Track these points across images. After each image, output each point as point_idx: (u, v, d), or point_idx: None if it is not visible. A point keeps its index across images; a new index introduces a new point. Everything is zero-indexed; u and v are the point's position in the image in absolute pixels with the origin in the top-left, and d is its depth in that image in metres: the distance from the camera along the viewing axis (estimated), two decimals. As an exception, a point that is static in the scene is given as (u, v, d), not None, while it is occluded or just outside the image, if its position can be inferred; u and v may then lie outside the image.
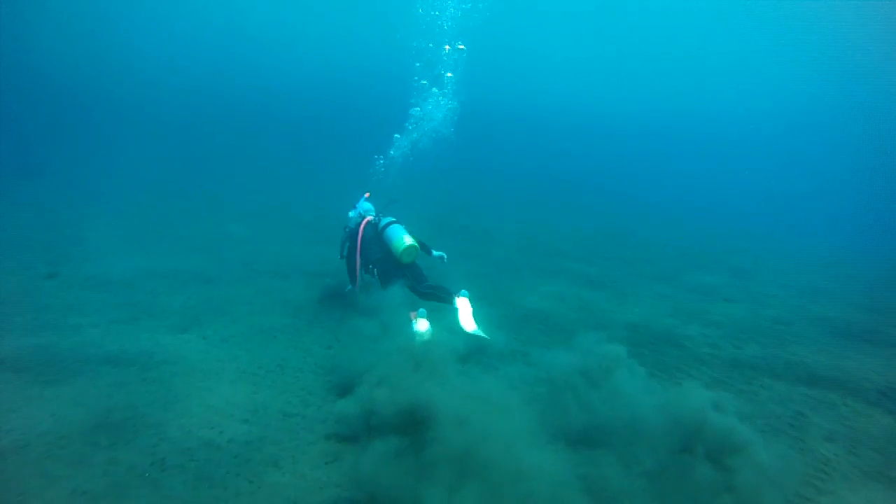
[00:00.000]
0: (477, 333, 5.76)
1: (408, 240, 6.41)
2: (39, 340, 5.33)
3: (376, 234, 6.77)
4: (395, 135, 8.71)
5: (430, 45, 10.90)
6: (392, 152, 8.69)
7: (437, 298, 6.11)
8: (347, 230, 7.10)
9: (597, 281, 10.32)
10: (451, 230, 14.22)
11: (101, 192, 16.06)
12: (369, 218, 6.89)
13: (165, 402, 4.37)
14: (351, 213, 7.20)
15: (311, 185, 22.70)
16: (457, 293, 6.03)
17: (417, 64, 10.56)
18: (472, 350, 5.73)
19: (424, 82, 10.20)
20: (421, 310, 5.66)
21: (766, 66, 47.90)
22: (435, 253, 6.98)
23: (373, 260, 6.63)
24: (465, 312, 5.90)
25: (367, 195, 7.41)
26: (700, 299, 9.55)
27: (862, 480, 4.03)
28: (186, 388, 4.65)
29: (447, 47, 10.42)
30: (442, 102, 9.52)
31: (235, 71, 52.15)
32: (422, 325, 5.54)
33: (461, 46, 10.46)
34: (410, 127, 9.05)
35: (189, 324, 6.11)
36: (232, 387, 4.73)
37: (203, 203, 15.99)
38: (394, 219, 6.85)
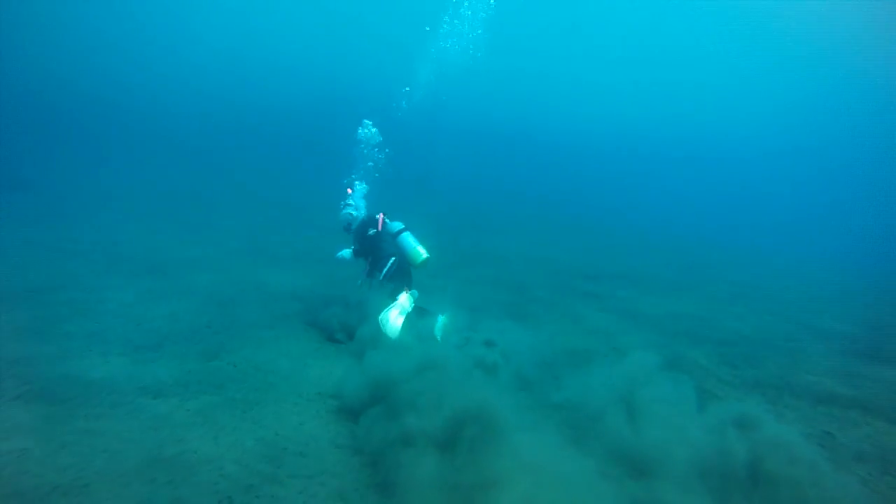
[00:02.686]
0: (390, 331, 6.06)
1: (423, 252, 6.98)
2: (68, 370, 5.21)
3: (390, 233, 7.16)
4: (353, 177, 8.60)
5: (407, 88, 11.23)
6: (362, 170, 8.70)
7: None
8: (353, 227, 7.42)
9: (604, 298, 10.49)
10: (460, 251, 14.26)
11: (99, 204, 15.71)
12: (382, 216, 7.27)
13: (214, 436, 4.31)
14: (351, 212, 7.46)
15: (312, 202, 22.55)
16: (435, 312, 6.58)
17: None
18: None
19: (407, 89, 10.50)
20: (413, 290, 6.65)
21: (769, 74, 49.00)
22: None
23: (386, 254, 6.96)
24: (399, 306, 6.28)
25: (349, 191, 7.76)
26: (708, 316, 9.77)
27: (903, 501, 4.17)
28: (232, 419, 4.59)
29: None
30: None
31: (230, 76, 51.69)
32: (403, 300, 6.34)
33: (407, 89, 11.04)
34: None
35: (216, 350, 6.04)
36: (278, 419, 4.69)
37: (203, 216, 15.75)
38: (403, 225, 7.22)
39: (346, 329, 6.73)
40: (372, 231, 7.18)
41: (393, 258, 6.90)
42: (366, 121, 8.78)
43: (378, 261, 7.00)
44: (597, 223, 24.87)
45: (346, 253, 7.49)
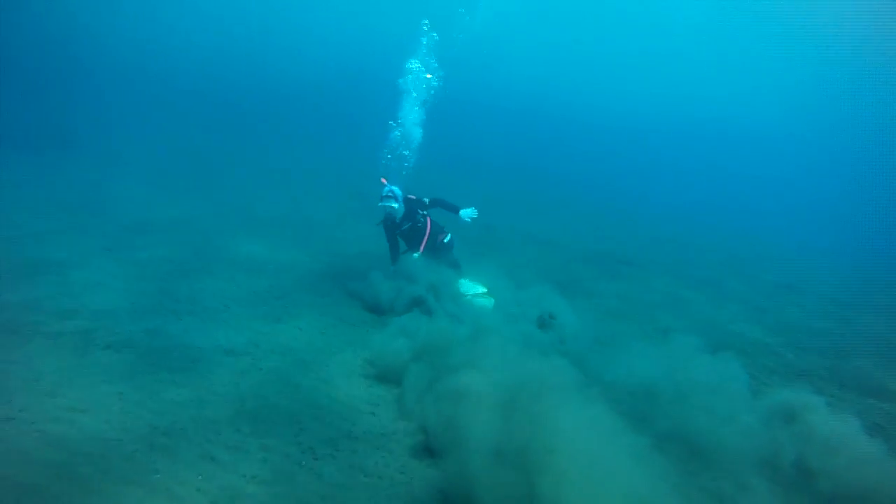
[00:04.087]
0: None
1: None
2: (148, 325, 5.54)
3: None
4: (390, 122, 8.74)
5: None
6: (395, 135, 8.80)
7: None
8: (398, 220, 7.65)
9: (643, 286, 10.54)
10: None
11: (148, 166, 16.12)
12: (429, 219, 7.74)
13: (291, 393, 4.59)
14: (395, 205, 7.52)
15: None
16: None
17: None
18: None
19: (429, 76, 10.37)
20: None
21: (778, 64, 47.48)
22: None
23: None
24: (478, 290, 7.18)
25: (384, 181, 7.75)
26: (748, 307, 9.77)
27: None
28: (305, 380, 4.87)
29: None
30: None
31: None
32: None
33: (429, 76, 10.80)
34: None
35: (280, 314, 6.33)
36: (348, 380, 4.96)
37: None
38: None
39: (389, 300, 6.95)
40: (407, 225, 7.62)
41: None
42: (391, 123, 8.66)
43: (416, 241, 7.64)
44: (629, 207, 24.61)
45: (415, 255, 7.58)
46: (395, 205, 7.51)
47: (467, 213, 7.43)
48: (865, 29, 37.26)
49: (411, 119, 8.69)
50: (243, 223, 10.87)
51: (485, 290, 7.20)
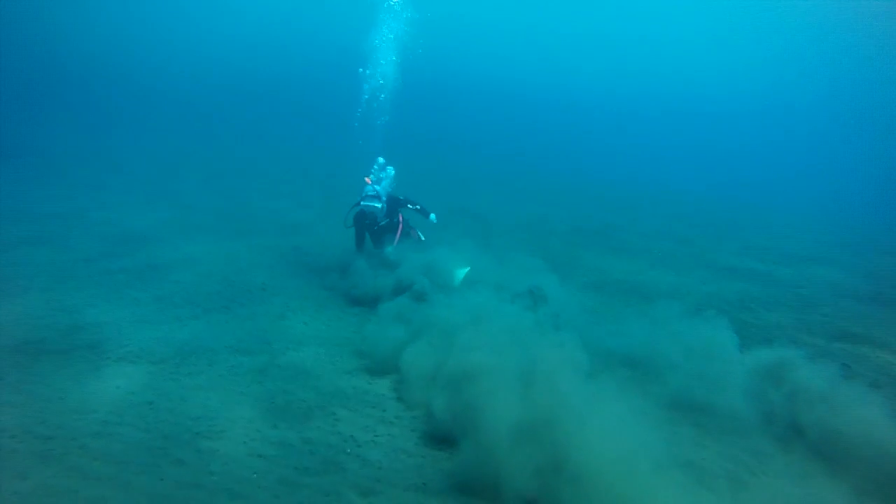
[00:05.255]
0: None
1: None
2: (156, 333, 5.52)
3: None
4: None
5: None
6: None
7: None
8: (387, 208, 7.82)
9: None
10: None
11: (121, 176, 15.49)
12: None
13: (315, 387, 4.73)
14: (378, 205, 7.60)
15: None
16: None
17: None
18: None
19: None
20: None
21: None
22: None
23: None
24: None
25: (368, 181, 7.78)
26: (721, 273, 10.39)
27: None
28: (325, 372, 5.01)
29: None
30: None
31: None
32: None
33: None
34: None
35: (282, 311, 6.39)
36: (365, 369, 5.13)
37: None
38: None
39: (378, 289, 6.97)
40: (385, 221, 7.85)
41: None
42: (380, 159, 8.64)
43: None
44: (605, 181, 25.31)
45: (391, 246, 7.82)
46: (379, 205, 7.56)
47: (434, 217, 8.05)
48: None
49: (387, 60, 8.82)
50: (244, 224, 10.71)
51: (467, 269, 7.41)
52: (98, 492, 3.21)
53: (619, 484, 3.19)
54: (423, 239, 8.29)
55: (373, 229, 7.87)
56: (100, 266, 7.47)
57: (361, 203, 7.58)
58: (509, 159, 29.81)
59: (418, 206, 8.03)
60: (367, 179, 7.75)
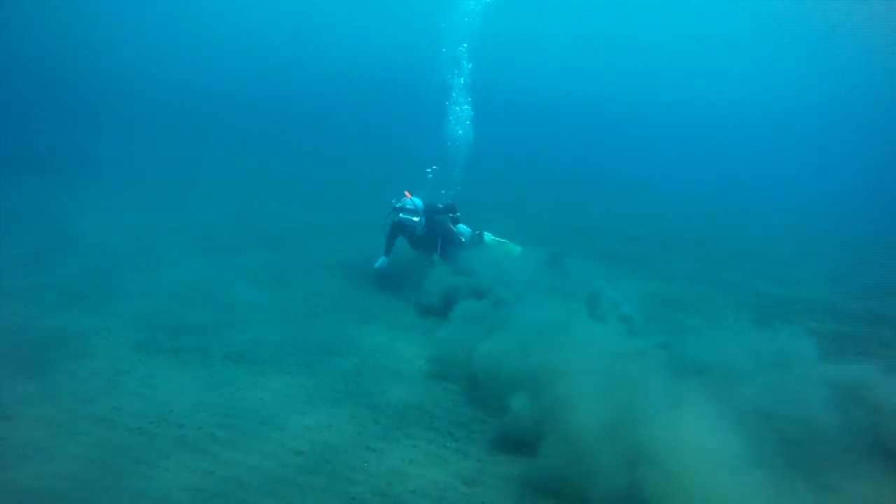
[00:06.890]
0: None
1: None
2: (245, 336, 5.96)
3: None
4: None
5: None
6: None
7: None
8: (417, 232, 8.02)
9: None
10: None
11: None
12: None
13: (407, 386, 5.06)
14: (416, 219, 7.86)
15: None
16: None
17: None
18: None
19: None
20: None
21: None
22: None
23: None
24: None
25: (407, 195, 8.11)
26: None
27: None
28: (413, 372, 5.36)
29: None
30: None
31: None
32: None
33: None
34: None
35: (367, 317, 6.77)
36: (453, 376, 5.40)
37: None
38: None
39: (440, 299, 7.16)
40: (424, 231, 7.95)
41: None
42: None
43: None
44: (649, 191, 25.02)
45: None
46: (417, 219, 7.76)
47: (464, 229, 8.22)
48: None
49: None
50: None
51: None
52: (231, 473, 3.59)
53: (706, 481, 3.33)
54: (436, 260, 8.07)
55: (412, 239, 8.08)
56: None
57: (401, 215, 7.83)
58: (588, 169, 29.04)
59: (458, 214, 8.24)
60: (406, 193, 8.07)
